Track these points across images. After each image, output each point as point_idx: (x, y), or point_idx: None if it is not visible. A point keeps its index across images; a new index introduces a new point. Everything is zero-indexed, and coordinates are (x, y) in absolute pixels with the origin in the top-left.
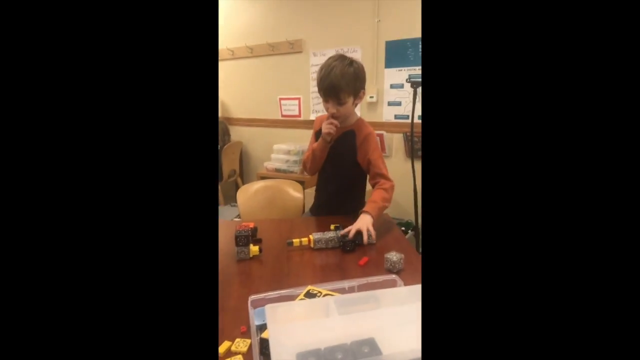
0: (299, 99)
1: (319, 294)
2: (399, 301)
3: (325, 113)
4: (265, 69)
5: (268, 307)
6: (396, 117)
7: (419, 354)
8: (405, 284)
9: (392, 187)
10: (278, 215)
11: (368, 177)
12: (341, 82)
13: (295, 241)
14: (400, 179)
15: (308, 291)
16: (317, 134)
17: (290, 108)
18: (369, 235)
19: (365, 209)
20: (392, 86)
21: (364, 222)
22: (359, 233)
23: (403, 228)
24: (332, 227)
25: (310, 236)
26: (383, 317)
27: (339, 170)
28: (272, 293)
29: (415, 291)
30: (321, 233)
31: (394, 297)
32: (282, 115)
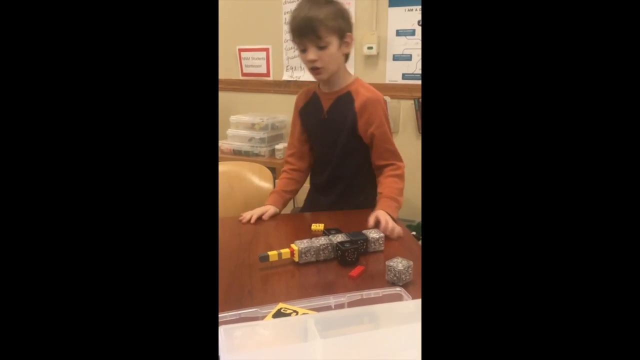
0: (266, 50)
1: (293, 314)
2: (404, 319)
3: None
4: (219, 6)
5: (222, 330)
6: (405, 76)
7: None
8: (414, 300)
9: (404, 173)
10: (236, 213)
11: (372, 154)
12: (319, 14)
13: (272, 254)
14: (409, 165)
15: (279, 310)
16: (303, 113)
17: (255, 63)
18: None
19: (380, 207)
20: (398, 33)
21: (383, 214)
22: (360, 240)
23: (414, 233)
24: (314, 227)
25: (293, 246)
26: (382, 340)
27: (335, 152)
28: (226, 314)
29: None
30: (307, 240)
31: (397, 314)
32: (243, 74)
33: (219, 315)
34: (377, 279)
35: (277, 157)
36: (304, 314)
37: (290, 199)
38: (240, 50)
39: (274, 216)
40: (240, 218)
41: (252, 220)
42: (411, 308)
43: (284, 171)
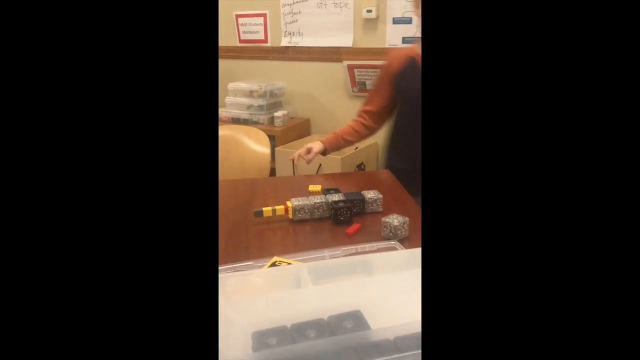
0: (264, 15)
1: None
2: (397, 267)
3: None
4: None
5: None
6: (405, 40)
7: (418, 327)
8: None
9: None
10: (232, 176)
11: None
12: None
13: (266, 210)
14: None
15: (273, 263)
16: (398, 78)
17: (252, 29)
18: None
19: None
20: None
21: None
22: (355, 200)
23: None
24: (311, 188)
25: (288, 203)
26: (373, 285)
27: (416, 111)
28: (221, 267)
29: (417, 255)
30: (303, 198)
31: (390, 263)
32: (241, 41)
33: None
34: (374, 236)
35: (276, 124)
36: None
37: (344, 147)
38: (238, 16)
39: (321, 153)
40: (290, 157)
41: (296, 160)
42: (404, 257)
43: (356, 121)
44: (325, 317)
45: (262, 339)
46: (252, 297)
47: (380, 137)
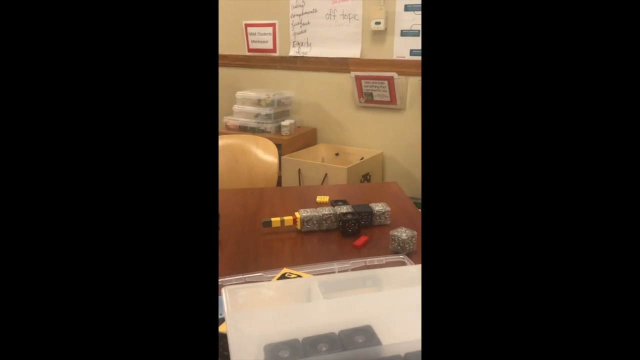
0: (273, 25)
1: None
2: (407, 282)
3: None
4: None
5: (227, 290)
6: (413, 52)
7: None
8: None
9: None
10: (241, 185)
11: None
12: None
13: (275, 220)
14: (417, 143)
15: (283, 275)
16: None
17: (261, 39)
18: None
19: None
20: (407, 8)
21: None
22: (363, 212)
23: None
24: (319, 199)
25: (297, 214)
26: (384, 300)
27: None
28: (231, 277)
29: None
30: (311, 209)
31: (400, 278)
32: (249, 50)
33: (225, 279)
34: (381, 249)
35: (283, 133)
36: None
37: None
38: (247, 25)
39: None
40: None
41: None
42: (413, 272)
43: None
44: (337, 332)
45: (275, 352)
46: (264, 310)
47: (385, 147)
